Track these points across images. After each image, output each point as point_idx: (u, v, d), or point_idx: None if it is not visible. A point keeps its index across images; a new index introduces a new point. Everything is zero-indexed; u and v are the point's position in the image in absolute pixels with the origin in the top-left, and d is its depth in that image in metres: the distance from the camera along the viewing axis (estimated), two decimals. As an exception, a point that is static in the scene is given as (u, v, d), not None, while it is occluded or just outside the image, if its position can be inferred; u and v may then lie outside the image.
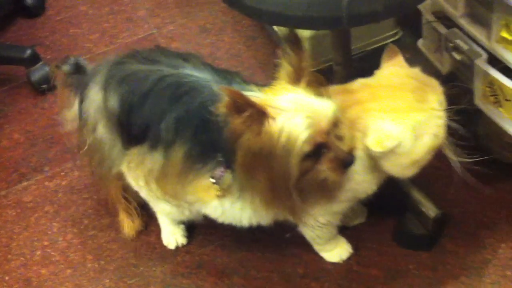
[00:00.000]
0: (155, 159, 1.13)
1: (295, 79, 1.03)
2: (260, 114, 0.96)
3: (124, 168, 1.22)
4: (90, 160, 1.29)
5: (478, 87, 1.21)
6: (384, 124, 1.05)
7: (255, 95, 1.01)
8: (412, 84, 1.08)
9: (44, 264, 1.41)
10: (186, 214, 1.30)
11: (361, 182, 1.13)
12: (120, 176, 1.27)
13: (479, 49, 1.18)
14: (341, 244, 1.32)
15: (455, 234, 1.32)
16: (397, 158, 1.07)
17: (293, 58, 1.00)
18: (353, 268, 1.31)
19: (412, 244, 1.31)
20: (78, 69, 1.28)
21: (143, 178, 1.18)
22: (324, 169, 1.02)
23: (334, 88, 1.16)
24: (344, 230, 1.33)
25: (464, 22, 1.20)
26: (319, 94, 1.03)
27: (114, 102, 1.15)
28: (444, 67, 1.30)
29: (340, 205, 1.19)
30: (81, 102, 1.24)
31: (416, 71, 1.12)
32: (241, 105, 0.94)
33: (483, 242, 1.30)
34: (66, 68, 1.27)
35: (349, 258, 1.32)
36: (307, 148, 0.98)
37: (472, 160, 1.09)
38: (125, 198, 1.39)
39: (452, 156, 1.09)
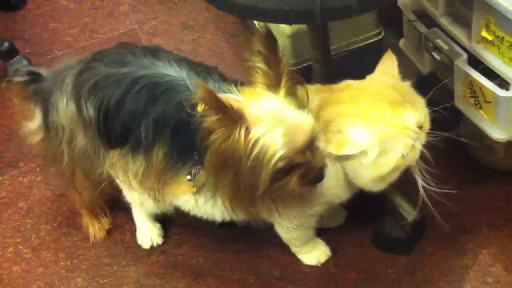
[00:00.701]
0: (137, 163, 1.11)
1: (274, 83, 0.98)
2: (231, 119, 0.92)
3: (107, 166, 1.18)
4: (72, 170, 1.24)
5: (458, 88, 1.19)
6: (351, 130, 1.02)
7: (232, 97, 0.97)
8: (393, 97, 1.05)
9: (15, 261, 1.38)
10: (159, 206, 1.27)
11: (333, 187, 1.11)
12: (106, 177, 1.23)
13: (459, 49, 1.16)
14: (319, 246, 1.30)
15: (435, 238, 1.30)
16: (361, 169, 1.05)
17: (270, 60, 0.96)
18: (331, 271, 1.29)
19: (391, 248, 1.29)
20: (34, 78, 1.22)
21: (127, 180, 1.16)
22: (293, 184, 1.00)
23: (319, 86, 1.14)
24: (323, 233, 1.31)
25: (444, 21, 1.18)
26: (300, 103, 0.99)
27: (90, 110, 1.11)
28: (425, 68, 1.29)
29: (313, 208, 1.16)
30: (46, 112, 1.19)
31: (405, 85, 1.09)
32: (213, 106, 0.91)
33: (463, 247, 1.29)
34: (20, 79, 1.22)
35: (327, 261, 1.30)
36: (280, 165, 0.95)
37: (438, 190, 1.07)
38: (92, 200, 1.35)
39: (418, 180, 1.06)
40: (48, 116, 1.19)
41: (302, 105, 0.99)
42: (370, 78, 1.12)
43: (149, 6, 1.97)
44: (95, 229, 1.39)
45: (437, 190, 1.07)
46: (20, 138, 1.62)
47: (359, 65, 1.52)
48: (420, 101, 1.07)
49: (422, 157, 1.07)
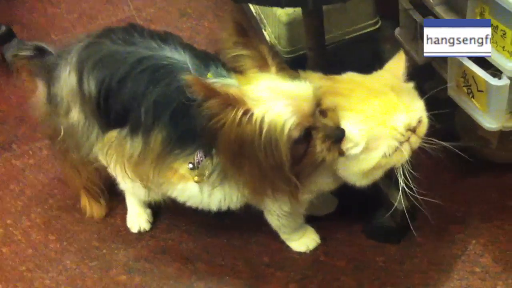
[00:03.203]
0: (135, 145, 1.10)
1: (262, 64, 1.00)
2: (229, 104, 0.93)
3: (97, 148, 1.18)
4: (64, 146, 1.24)
5: (452, 77, 1.18)
6: (344, 124, 1.02)
7: (228, 83, 0.98)
8: (388, 96, 1.04)
9: (5, 243, 1.38)
10: (153, 196, 1.26)
11: (323, 175, 1.11)
12: (94, 160, 1.23)
13: (453, 38, 1.16)
14: (308, 233, 1.30)
15: (425, 228, 1.29)
16: (345, 162, 1.05)
17: (249, 44, 0.98)
18: (320, 258, 1.28)
19: (381, 236, 1.29)
20: (40, 53, 1.23)
21: (120, 163, 1.15)
22: (318, 150, 0.99)
23: (321, 75, 1.13)
24: (313, 220, 1.31)
25: (439, 10, 1.17)
26: (293, 76, 1.00)
27: (91, 86, 1.11)
28: (420, 57, 1.28)
29: (303, 196, 1.16)
30: (49, 85, 1.20)
31: (406, 86, 1.08)
32: (205, 93, 0.92)
33: (453, 237, 1.28)
34: (26, 53, 1.22)
35: (316, 249, 1.30)
36: (296, 134, 0.96)
37: (418, 196, 1.09)
38: (91, 181, 1.35)
39: (400, 181, 1.07)
40: (50, 89, 1.19)
41: (296, 76, 1.00)
42: (374, 74, 1.11)
43: (147, -7, 1.97)
44: (93, 210, 1.39)
45: (417, 196, 1.08)
46: (14, 121, 1.65)
47: (356, 54, 1.53)
48: (418, 104, 1.06)
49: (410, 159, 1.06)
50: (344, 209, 1.34)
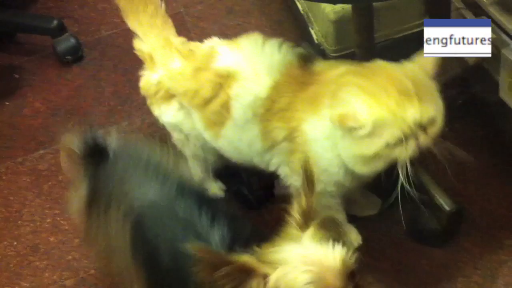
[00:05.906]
0: None
1: (303, 224, 0.90)
2: (242, 272, 0.83)
3: None
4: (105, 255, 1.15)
5: (504, 78, 1.16)
6: (356, 103, 1.01)
7: (242, 254, 0.87)
8: (406, 87, 1.01)
9: (53, 232, 1.42)
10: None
11: (332, 162, 1.08)
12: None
13: (506, 38, 1.13)
14: (350, 233, 1.28)
15: (472, 231, 1.27)
16: (349, 142, 1.03)
17: (303, 201, 0.89)
18: (362, 259, 1.27)
19: (425, 239, 1.27)
20: (95, 151, 1.08)
21: None
22: None
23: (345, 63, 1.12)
24: (356, 220, 1.29)
25: (493, 10, 1.15)
26: (329, 237, 0.90)
27: None
28: (471, 57, 1.26)
29: (327, 188, 1.14)
30: (92, 188, 1.09)
31: (429, 83, 1.04)
32: (217, 264, 0.82)
33: (500, 242, 1.25)
34: (81, 148, 1.09)
35: (359, 249, 1.28)
36: None
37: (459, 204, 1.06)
38: None
39: (401, 178, 1.03)
40: (91, 192, 1.09)
41: (332, 238, 0.91)
42: (403, 64, 1.09)
43: (196, -11, 1.99)
44: None
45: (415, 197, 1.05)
46: (64, 113, 1.69)
47: (404, 53, 1.50)
48: (435, 105, 1.02)
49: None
50: (387, 210, 1.32)
